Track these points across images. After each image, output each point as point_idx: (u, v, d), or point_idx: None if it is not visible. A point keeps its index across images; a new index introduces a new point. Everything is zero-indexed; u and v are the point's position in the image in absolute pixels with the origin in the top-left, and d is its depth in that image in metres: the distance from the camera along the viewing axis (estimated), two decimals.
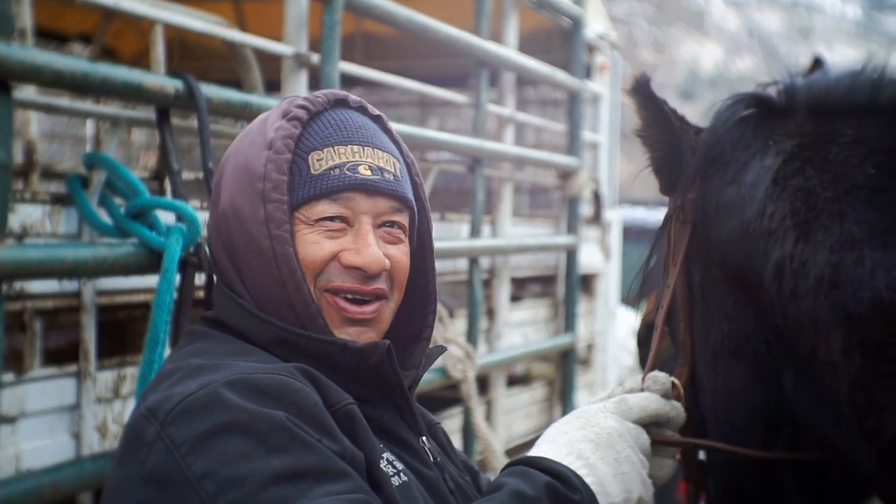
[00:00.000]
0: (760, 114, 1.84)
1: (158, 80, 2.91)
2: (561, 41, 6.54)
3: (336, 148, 1.68)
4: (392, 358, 1.67)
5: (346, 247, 1.67)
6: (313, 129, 1.70)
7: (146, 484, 1.45)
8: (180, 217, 2.87)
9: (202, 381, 1.50)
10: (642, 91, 1.90)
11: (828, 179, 1.66)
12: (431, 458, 1.74)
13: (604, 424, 1.63)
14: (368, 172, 1.68)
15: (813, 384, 1.70)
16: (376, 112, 1.80)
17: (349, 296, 1.68)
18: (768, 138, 1.79)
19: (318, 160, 1.67)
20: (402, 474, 1.60)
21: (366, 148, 1.70)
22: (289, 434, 1.44)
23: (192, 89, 2.95)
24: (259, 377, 1.51)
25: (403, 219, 1.75)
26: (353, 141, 1.70)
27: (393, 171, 1.72)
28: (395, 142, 1.80)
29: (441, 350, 1.86)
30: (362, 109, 1.78)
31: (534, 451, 1.61)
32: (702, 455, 1.96)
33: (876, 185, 1.61)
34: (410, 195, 1.76)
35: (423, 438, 1.76)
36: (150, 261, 2.80)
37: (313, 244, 1.65)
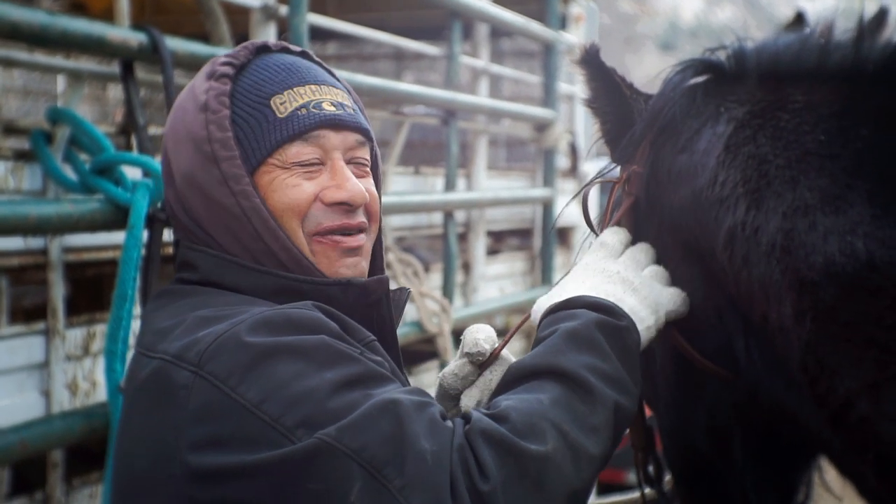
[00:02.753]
0: (711, 80, 1.83)
1: (121, 33, 2.85)
2: None
3: (295, 89, 1.67)
4: (389, 297, 1.70)
5: (326, 185, 1.67)
6: (258, 77, 1.69)
7: (197, 423, 1.42)
8: (147, 172, 2.84)
9: (228, 323, 1.48)
10: (591, 61, 1.88)
11: (779, 146, 1.66)
12: None
13: (610, 268, 1.74)
14: (333, 108, 1.69)
15: (764, 350, 1.70)
16: (299, 49, 1.80)
17: (339, 233, 1.68)
18: (720, 105, 1.78)
19: (281, 104, 1.66)
20: None
21: (322, 86, 1.71)
22: (333, 349, 1.46)
23: (156, 42, 2.90)
24: (282, 312, 1.50)
25: (366, 152, 1.76)
26: (308, 81, 1.70)
27: (350, 104, 1.73)
28: (333, 75, 1.80)
29: (405, 293, 1.84)
30: (287, 51, 1.78)
31: (563, 298, 1.67)
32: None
33: (827, 151, 1.61)
34: (368, 126, 1.77)
35: None
36: (117, 217, 2.77)
37: (294, 187, 1.65)
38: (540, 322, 1.66)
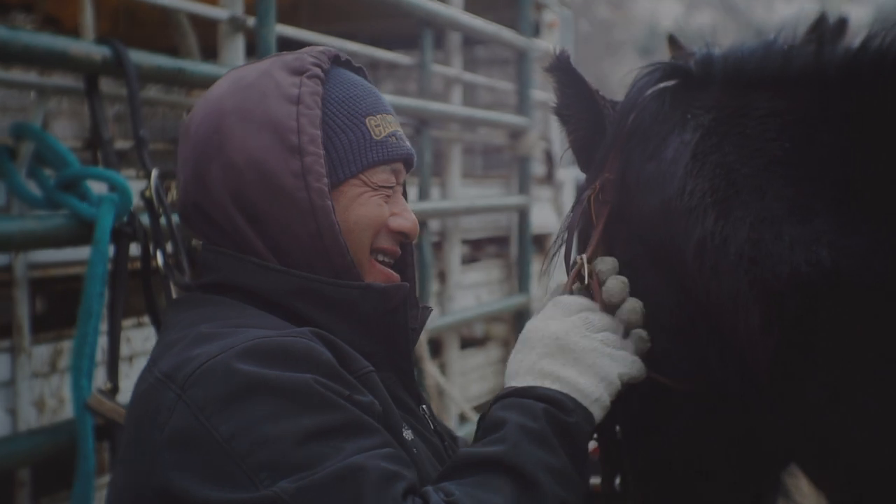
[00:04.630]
0: (678, 85, 1.82)
1: (84, 47, 2.84)
2: None
3: (382, 115, 1.73)
4: (406, 304, 1.70)
5: (394, 211, 1.72)
6: (348, 92, 1.72)
7: (169, 447, 1.43)
8: (112, 187, 2.82)
9: (221, 345, 1.48)
10: (563, 69, 1.86)
11: (745, 155, 1.65)
12: (432, 426, 1.76)
13: (547, 332, 1.66)
14: (408, 144, 1.76)
15: (735, 358, 1.70)
16: (357, 65, 1.82)
17: (386, 258, 1.73)
18: (686, 112, 1.77)
19: (375, 126, 1.71)
20: (413, 444, 1.62)
21: (391, 116, 1.76)
22: (315, 393, 1.45)
23: (120, 56, 2.89)
24: (275, 341, 1.50)
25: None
26: (386, 109, 1.75)
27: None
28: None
29: (427, 311, 1.84)
30: (350, 65, 1.79)
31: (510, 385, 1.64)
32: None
33: (792, 159, 1.61)
34: None
35: (423, 406, 1.77)
36: (82, 232, 2.74)
37: (378, 206, 1.70)
38: (494, 402, 1.63)
